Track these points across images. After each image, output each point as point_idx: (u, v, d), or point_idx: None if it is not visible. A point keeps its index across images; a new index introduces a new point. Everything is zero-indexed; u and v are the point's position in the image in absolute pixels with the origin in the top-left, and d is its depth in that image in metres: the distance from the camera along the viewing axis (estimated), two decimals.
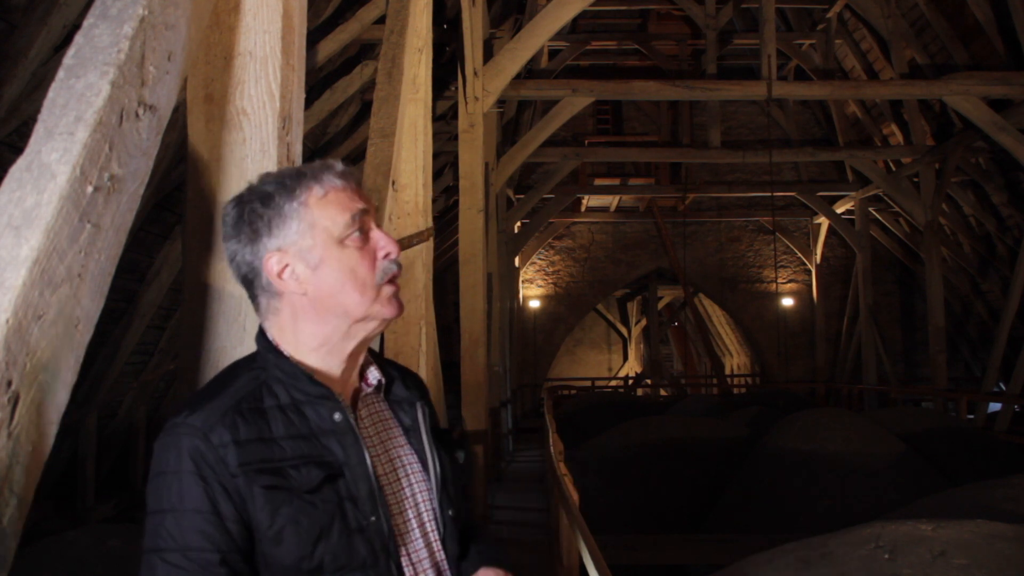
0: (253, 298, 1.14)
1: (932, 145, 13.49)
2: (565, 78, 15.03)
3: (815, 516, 6.29)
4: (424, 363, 4.14)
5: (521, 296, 18.73)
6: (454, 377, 7.88)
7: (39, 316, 1.03)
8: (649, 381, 20.65)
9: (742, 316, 19.24)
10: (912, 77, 12.80)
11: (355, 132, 10.90)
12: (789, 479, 6.83)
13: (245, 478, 1.00)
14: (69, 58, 1.22)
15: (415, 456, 1.18)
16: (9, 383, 0.97)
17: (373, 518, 1.06)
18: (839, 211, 17.07)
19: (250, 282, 1.12)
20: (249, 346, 1.17)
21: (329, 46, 8.66)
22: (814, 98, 16.27)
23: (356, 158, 10.78)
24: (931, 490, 5.95)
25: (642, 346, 24.09)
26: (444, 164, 14.36)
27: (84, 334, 1.13)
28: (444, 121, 12.33)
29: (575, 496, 3.96)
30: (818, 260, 18.74)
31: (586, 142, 16.88)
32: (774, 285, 18.78)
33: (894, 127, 15.05)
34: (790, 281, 19.12)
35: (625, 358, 23.97)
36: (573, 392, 18.35)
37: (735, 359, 23.93)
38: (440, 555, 1.16)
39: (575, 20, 14.00)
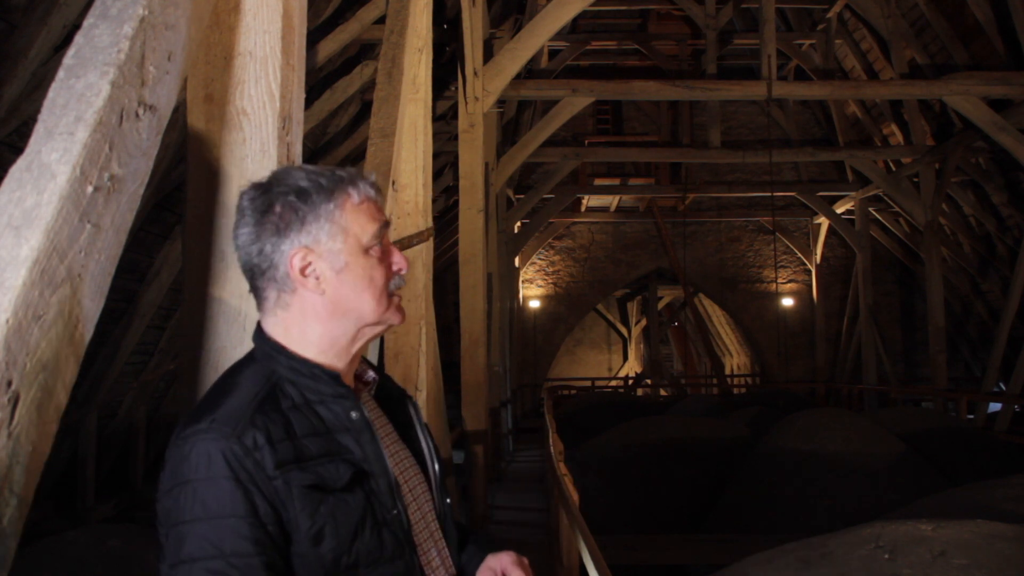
0: (259, 290, 1.12)
1: (932, 145, 13.49)
2: (565, 78, 15.03)
3: (815, 516, 6.29)
4: (424, 363, 4.14)
5: (521, 296, 18.74)
6: (454, 377, 7.88)
7: (39, 316, 1.03)
8: (649, 381, 20.65)
9: (742, 316, 19.24)
10: (912, 77, 12.80)
11: (355, 132, 10.90)
12: (789, 479, 6.83)
13: (283, 480, 1.00)
14: (69, 58, 1.22)
15: (408, 450, 1.21)
16: (9, 383, 0.97)
17: (395, 511, 1.09)
18: (839, 211, 17.07)
19: (261, 273, 1.10)
20: (249, 346, 1.17)
21: (329, 46, 8.66)
22: (814, 98, 16.27)
23: (356, 158, 10.79)
24: (931, 490, 5.95)
25: (642, 346, 24.09)
26: (444, 164, 14.37)
27: (84, 334, 1.14)
28: (444, 121, 12.33)
29: (575, 496, 3.96)
30: (818, 260, 18.74)
31: (586, 142, 16.88)
32: (774, 285, 18.78)
33: (894, 127, 15.05)
34: (790, 281, 19.12)
35: (625, 358, 23.97)
36: (573, 392, 18.36)
37: (735, 359, 23.93)
38: (442, 543, 1.20)
39: (575, 20, 14.00)
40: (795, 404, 11.20)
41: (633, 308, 24.01)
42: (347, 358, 1.14)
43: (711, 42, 14.62)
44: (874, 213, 17.37)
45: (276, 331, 1.12)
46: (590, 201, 18.26)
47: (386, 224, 1.15)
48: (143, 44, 1.28)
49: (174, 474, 0.99)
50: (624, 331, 24.01)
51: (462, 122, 8.21)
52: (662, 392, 20.04)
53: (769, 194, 14.64)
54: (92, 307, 1.15)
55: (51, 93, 1.18)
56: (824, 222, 18.07)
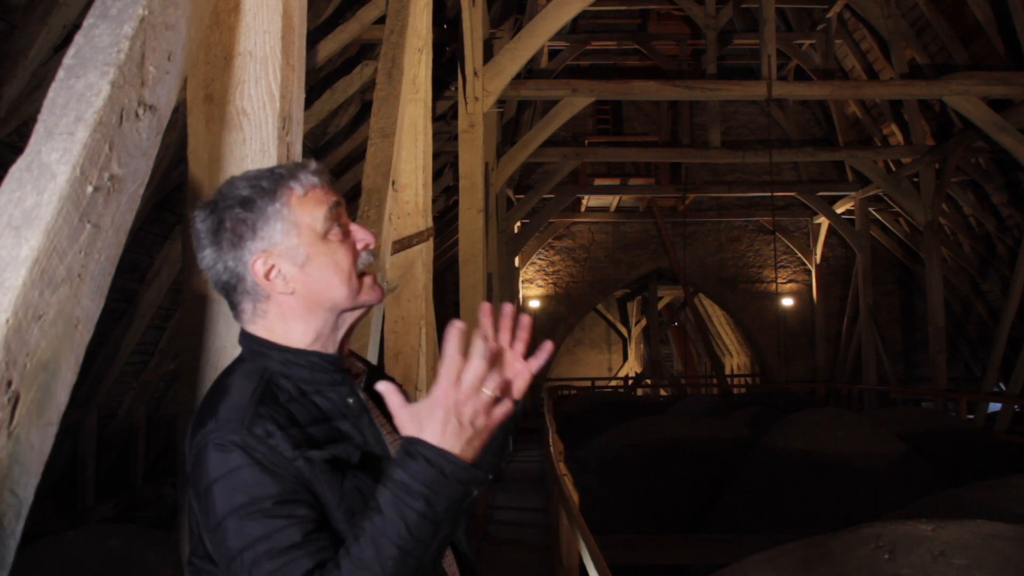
0: (235, 305, 1.13)
1: (932, 145, 13.49)
2: (565, 78, 15.03)
3: (815, 516, 6.28)
4: (424, 363, 4.14)
5: (521, 296, 18.73)
6: None
7: (39, 316, 1.03)
8: (649, 381, 20.64)
9: (742, 316, 19.24)
10: (912, 77, 12.80)
11: (355, 132, 10.90)
12: (789, 479, 6.83)
13: (304, 459, 0.99)
14: (69, 58, 1.22)
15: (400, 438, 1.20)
16: (9, 383, 0.97)
17: None
18: (839, 211, 17.07)
19: (232, 288, 1.11)
20: None
21: (329, 46, 8.66)
22: (814, 98, 16.28)
23: (356, 158, 10.79)
24: (931, 490, 5.95)
25: (642, 346, 24.08)
26: (444, 164, 14.36)
27: (84, 334, 1.14)
28: (444, 121, 12.33)
29: (575, 496, 3.96)
30: (818, 260, 18.74)
31: (586, 142, 16.88)
32: (774, 285, 18.78)
33: (894, 127, 15.05)
34: (790, 281, 19.12)
35: (625, 358, 23.96)
36: (573, 392, 18.35)
37: (735, 359, 23.93)
38: None
39: (575, 20, 13.99)
40: (795, 404, 11.20)
41: (633, 308, 24.00)
42: (333, 347, 1.14)
43: (711, 42, 14.62)
44: (874, 213, 17.37)
45: (260, 335, 1.12)
46: (590, 201, 18.26)
47: (337, 203, 1.14)
48: (143, 44, 1.28)
49: (196, 483, 1.00)
50: (624, 331, 24.00)
51: (462, 122, 8.22)
52: (662, 392, 20.03)
53: (769, 194, 14.64)
54: (92, 307, 1.15)
55: (51, 93, 1.18)
56: (824, 222, 18.07)
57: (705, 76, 14.13)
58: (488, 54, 8.73)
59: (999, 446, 8.58)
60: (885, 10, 13.13)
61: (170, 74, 1.38)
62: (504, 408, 0.98)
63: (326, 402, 1.09)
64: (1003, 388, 13.44)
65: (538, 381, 18.70)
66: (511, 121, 15.63)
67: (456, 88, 8.61)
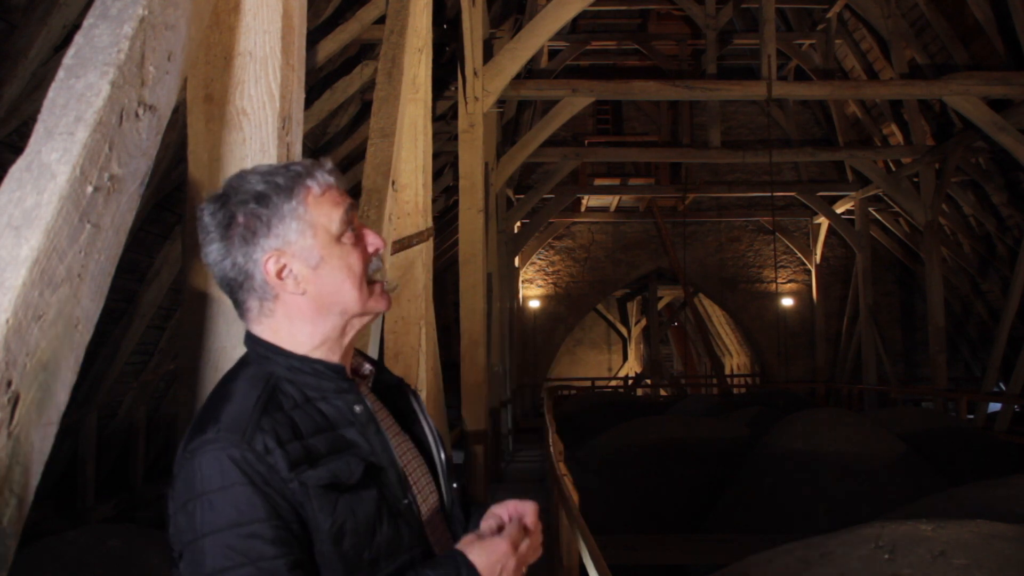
0: (240, 303, 1.10)
1: (932, 145, 13.49)
2: (565, 78, 15.03)
3: (815, 516, 6.28)
4: (424, 363, 4.14)
5: (521, 296, 18.73)
6: (454, 377, 7.87)
7: (39, 316, 1.03)
8: (649, 381, 20.64)
9: (742, 316, 19.24)
10: (912, 77, 12.80)
11: (355, 132, 10.90)
12: (789, 479, 6.83)
13: (299, 481, 0.98)
14: (69, 58, 1.22)
15: (410, 440, 1.19)
16: (9, 383, 0.97)
17: (406, 501, 1.09)
18: (839, 211, 17.07)
19: (239, 285, 1.08)
20: None
21: (329, 46, 8.66)
22: (814, 98, 16.28)
23: (356, 158, 10.79)
24: (931, 490, 5.95)
25: (642, 346, 24.08)
26: (444, 164, 14.36)
27: (84, 334, 1.13)
28: (444, 121, 12.33)
29: (575, 496, 3.96)
30: (818, 260, 18.74)
31: (586, 142, 16.88)
32: (774, 285, 18.78)
33: (894, 127, 15.05)
34: (790, 281, 19.12)
35: (625, 358, 23.96)
36: (573, 392, 18.35)
37: (735, 359, 23.92)
38: (446, 533, 1.20)
39: (575, 20, 14.00)
40: (795, 404, 11.20)
41: (633, 308, 24.00)
42: (339, 352, 1.12)
43: (711, 42, 14.62)
44: (874, 213, 17.37)
45: (265, 336, 1.10)
46: (590, 201, 18.26)
47: (352, 205, 1.12)
48: (143, 44, 1.28)
49: (187, 489, 0.97)
50: (624, 331, 24.00)
51: (462, 122, 8.22)
52: (662, 392, 20.04)
53: (769, 194, 14.64)
54: (92, 307, 1.15)
55: (51, 93, 1.18)
56: (824, 222, 18.07)
57: (705, 76, 14.13)
58: (488, 54, 8.73)
59: (999, 446, 8.58)
60: (885, 10, 13.12)
61: (170, 74, 1.38)
62: None
63: (332, 409, 1.07)
64: (1003, 388, 13.44)
65: (539, 381, 18.73)
66: (511, 121, 15.63)
67: (456, 88, 8.60)
